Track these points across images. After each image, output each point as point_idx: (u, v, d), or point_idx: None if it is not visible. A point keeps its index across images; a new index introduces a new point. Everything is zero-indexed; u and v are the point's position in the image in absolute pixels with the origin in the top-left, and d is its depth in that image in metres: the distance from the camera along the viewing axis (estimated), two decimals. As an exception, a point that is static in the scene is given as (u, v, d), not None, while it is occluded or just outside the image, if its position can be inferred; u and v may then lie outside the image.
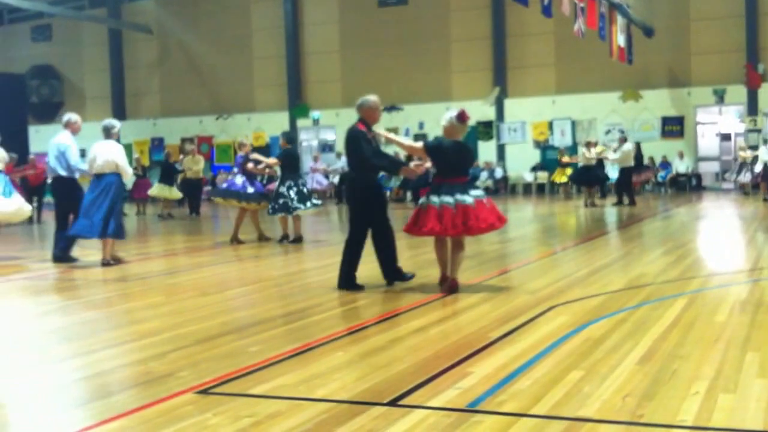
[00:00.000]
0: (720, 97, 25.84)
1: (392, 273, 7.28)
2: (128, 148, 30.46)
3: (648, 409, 3.51)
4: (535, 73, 27.23)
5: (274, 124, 29.84)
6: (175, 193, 19.16)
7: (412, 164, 7.31)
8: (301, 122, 30.09)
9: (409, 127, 28.72)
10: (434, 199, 6.78)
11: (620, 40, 22.34)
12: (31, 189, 18.62)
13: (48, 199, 23.51)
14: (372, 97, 7.32)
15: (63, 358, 4.92)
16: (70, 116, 10.33)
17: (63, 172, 9.96)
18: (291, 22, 29.87)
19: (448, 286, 6.83)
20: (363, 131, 7.10)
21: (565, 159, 22.93)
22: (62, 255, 9.93)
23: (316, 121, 30.06)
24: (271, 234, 12.40)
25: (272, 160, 11.83)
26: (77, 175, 10.10)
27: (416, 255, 9.15)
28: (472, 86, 27.20)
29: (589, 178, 19.23)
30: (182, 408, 3.70)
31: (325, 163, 24.95)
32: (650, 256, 9.17)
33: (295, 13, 29.97)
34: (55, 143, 10.00)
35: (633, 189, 19.42)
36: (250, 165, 11.86)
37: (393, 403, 3.69)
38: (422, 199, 6.97)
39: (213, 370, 4.36)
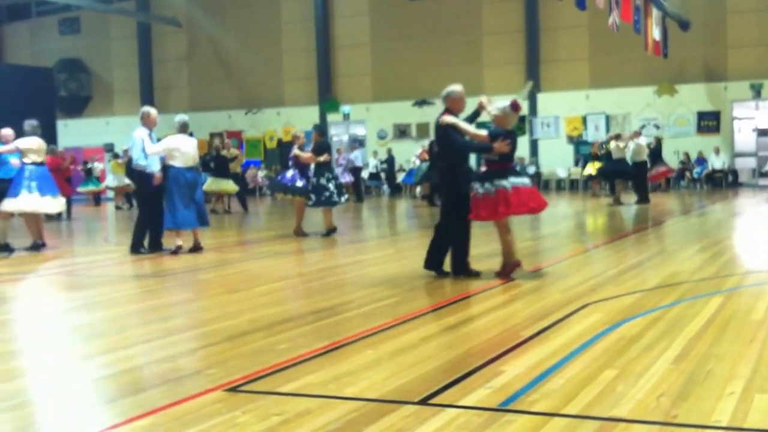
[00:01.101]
0: (757, 92, 25.39)
1: (437, 265, 7.40)
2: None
3: (682, 409, 3.45)
4: (569, 67, 26.97)
5: (303, 118, 29.88)
6: (231, 186, 18.48)
7: (497, 144, 7.15)
8: (330, 117, 30.08)
9: (440, 122, 28.60)
10: (515, 180, 7.11)
11: (655, 33, 22.03)
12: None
13: (89, 189, 23.87)
14: (458, 87, 7.44)
15: (91, 355, 4.94)
16: (143, 109, 10.52)
17: (140, 165, 10.23)
18: (321, 14, 29.87)
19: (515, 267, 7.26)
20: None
21: (594, 150, 22.40)
22: (155, 245, 10.29)
23: (346, 116, 30.05)
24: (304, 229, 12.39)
25: (307, 155, 11.86)
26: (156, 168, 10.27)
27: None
28: (505, 80, 27.00)
29: (623, 172, 18.68)
30: (211, 406, 3.69)
31: (351, 156, 24.84)
32: (685, 253, 9.02)
33: (325, 6, 29.96)
34: (132, 137, 10.34)
35: (646, 185, 18.95)
36: (294, 151, 12.00)
37: (423, 402, 3.65)
38: (487, 185, 7.10)
39: (242, 367, 4.35)
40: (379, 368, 4.27)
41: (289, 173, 12.11)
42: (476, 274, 7.38)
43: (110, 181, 23.21)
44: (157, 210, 10.13)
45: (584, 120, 27.13)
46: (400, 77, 28.71)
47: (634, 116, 26.46)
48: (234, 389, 3.94)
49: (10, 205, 10.75)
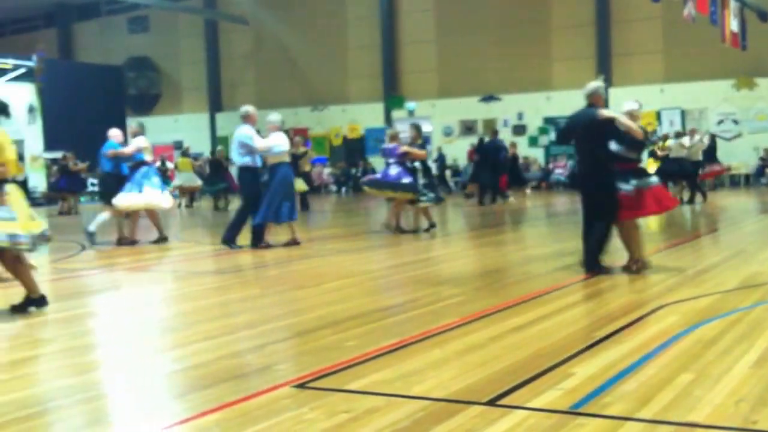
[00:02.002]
0: (842, 84, 24.37)
1: (592, 262, 7.39)
2: (224, 140, 31.28)
3: (762, 414, 3.33)
4: (642, 60, 26.33)
5: (368, 115, 29.97)
6: (302, 185, 18.06)
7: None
8: (396, 113, 30.05)
9: (508, 118, 28.32)
10: (651, 179, 7.42)
11: (733, 24, 21.30)
12: None
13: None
14: (600, 83, 7.64)
15: (162, 350, 5.04)
16: (245, 108, 10.70)
17: (245, 161, 10.39)
18: (386, 10, 29.86)
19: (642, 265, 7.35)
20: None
21: (661, 151, 21.53)
22: (228, 240, 10.44)
23: (411, 113, 29.98)
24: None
25: (421, 152, 12.06)
26: (256, 162, 10.47)
27: (520, 249, 8.98)
28: (574, 75, 26.45)
29: (683, 171, 17.80)
30: (279, 401, 3.71)
31: None
32: (766, 253, 8.71)
33: (391, 2, 29.94)
34: (236, 136, 10.52)
35: (699, 183, 18.17)
36: (404, 148, 11.99)
37: (491, 402, 3.60)
38: (634, 182, 7.26)
39: (310, 364, 4.36)
40: (447, 367, 4.23)
41: (394, 170, 11.93)
42: (607, 271, 7.30)
43: (177, 179, 23.62)
44: (253, 206, 10.34)
45: (658, 115, 26.45)
46: (466, 73, 28.51)
47: (710, 111, 25.69)
48: (302, 386, 3.96)
49: (133, 201, 11.20)
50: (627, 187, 7.26)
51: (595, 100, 7.46)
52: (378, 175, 12.49)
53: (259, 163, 10.51)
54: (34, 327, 5.81)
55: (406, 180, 11.80)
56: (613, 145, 7.32)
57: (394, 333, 5.12)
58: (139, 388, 4.15)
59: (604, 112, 7.30)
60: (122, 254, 10.62)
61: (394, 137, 12.36)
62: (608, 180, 7.27)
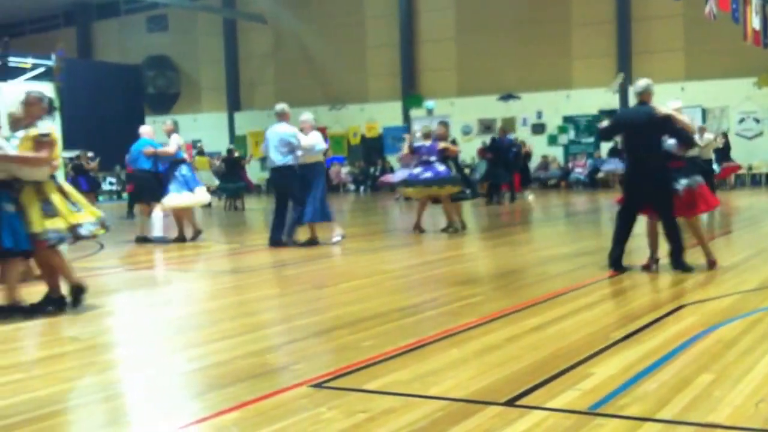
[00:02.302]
0: None
1: (677, 262, 7.40)
2: (242, 139, 31.35)
3: (784, 416, 3.29)
4: (663, 58, 26.08)
5: (387, 114, 29.89)
6: None
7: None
8: (414, 112, 29.98)
9: (527, 116, 28.20)
10: (698, 179, 7.46)
11: (755, 22, 21.05)
12: None
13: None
14: (648, 80, 7.58)
15: (180, 349, 5.05)
16: (281, 106, 10.59)
17: (287, 160, 10.29)
18: (405, 8, 29.77)
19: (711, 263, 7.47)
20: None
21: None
22: (288, 240, 10.39)
23: (430, 111, 29.90)
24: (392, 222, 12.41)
25: (456, 148, 12.29)
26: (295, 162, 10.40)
27: (538, 248, 8.92)
28: (594, 73, 26.35)
29: (700, 169, 17.42)
30: (297, 401, 3.71)
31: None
32: (787, 252, 8.61)
33: (410, 0, 29.87)
34: (275, 133, 10.32)
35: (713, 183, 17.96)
36: (442, 144, 11.95)
37: (510, 403, 3.59)
38: (684, 182, 7.34)
39: (327, 363, 4.37)
40: (464, 368, 4.22)
41: (441, 167, 11.80)
42: (690, 269, 7.26)
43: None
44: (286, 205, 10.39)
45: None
46: (485, 71, 28.39)
47: (732, 109, 25.43)
48: (319, 385, 3.96)
49: (185, 200, 11.35)
50: (678, 186, 7.29)
51: (646, 97, 7.43)
52: (428, 174, 11.78)
53: (292, 161, 10.37)
54: (52, 325, 5.85)
55: (454, 174, 11.89)
56: (665, 143, 7.30)
57: (411, 333, 5.11)
58: (157, 387, 4.16)
59: (662, 110, 7.26)
60: (141, 253, 10.69)
61: (428, 135, 12.30)
62: (667, 175, 7.27)
